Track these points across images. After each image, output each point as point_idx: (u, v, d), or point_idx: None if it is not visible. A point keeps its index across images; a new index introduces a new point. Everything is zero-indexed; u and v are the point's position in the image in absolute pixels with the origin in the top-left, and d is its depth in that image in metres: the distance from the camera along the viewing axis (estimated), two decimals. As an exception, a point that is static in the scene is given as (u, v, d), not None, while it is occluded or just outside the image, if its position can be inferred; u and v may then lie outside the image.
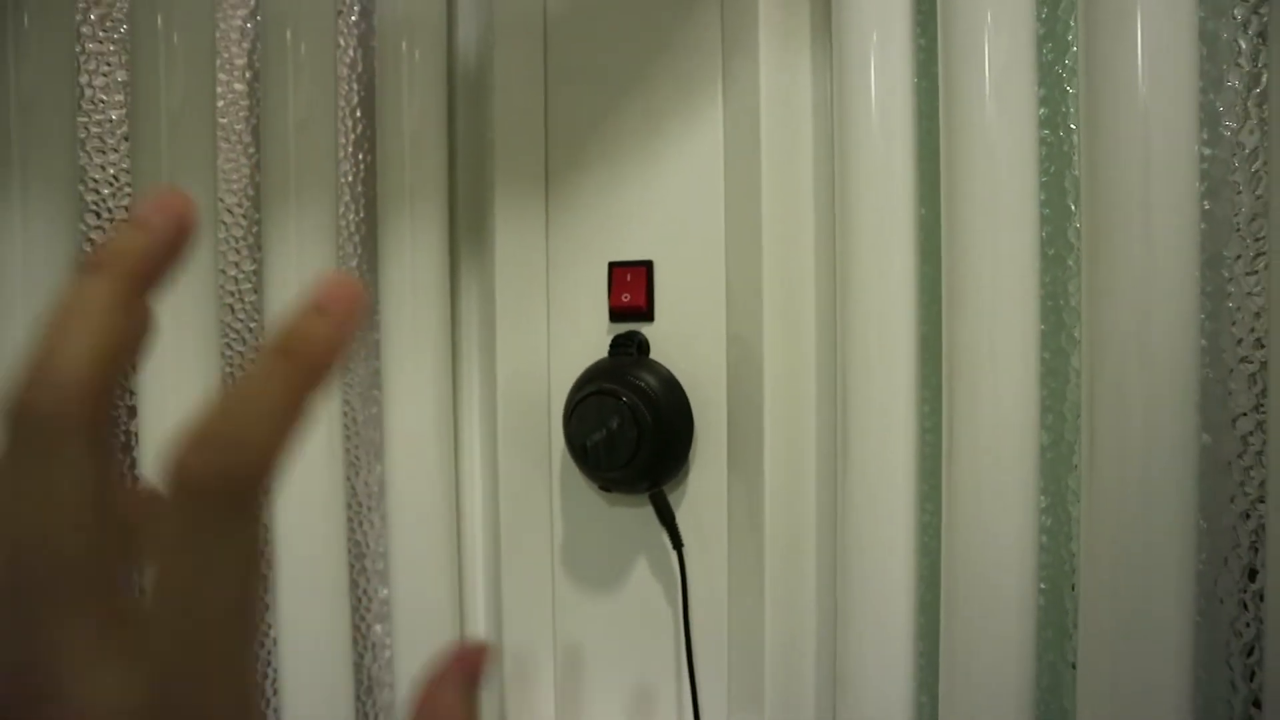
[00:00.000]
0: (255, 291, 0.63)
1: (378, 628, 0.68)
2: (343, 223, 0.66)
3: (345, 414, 0.65)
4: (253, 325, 0.63)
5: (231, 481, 0.18)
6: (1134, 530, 0.44)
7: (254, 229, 0.63)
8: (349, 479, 0.65)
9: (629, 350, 0.59)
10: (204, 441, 0.18)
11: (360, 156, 0.67)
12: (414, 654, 0.64)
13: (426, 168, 0.63)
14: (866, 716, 0.54)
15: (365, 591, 0.67)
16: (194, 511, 0.18)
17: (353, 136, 0.66)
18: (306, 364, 0.19)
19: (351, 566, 0.65)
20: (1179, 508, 0.44)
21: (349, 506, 0.65)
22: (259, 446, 0.18)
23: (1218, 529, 0.46)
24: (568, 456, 0.61)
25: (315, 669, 0.61)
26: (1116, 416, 0.44)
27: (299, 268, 0.60)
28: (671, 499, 0.59)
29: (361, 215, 0.67)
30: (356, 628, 0.66)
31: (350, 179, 0.66)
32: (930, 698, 0.55)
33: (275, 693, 0.62)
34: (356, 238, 0.66)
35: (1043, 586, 0.52)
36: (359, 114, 0.66)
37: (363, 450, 0.66)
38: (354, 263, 0.66)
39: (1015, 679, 0.49)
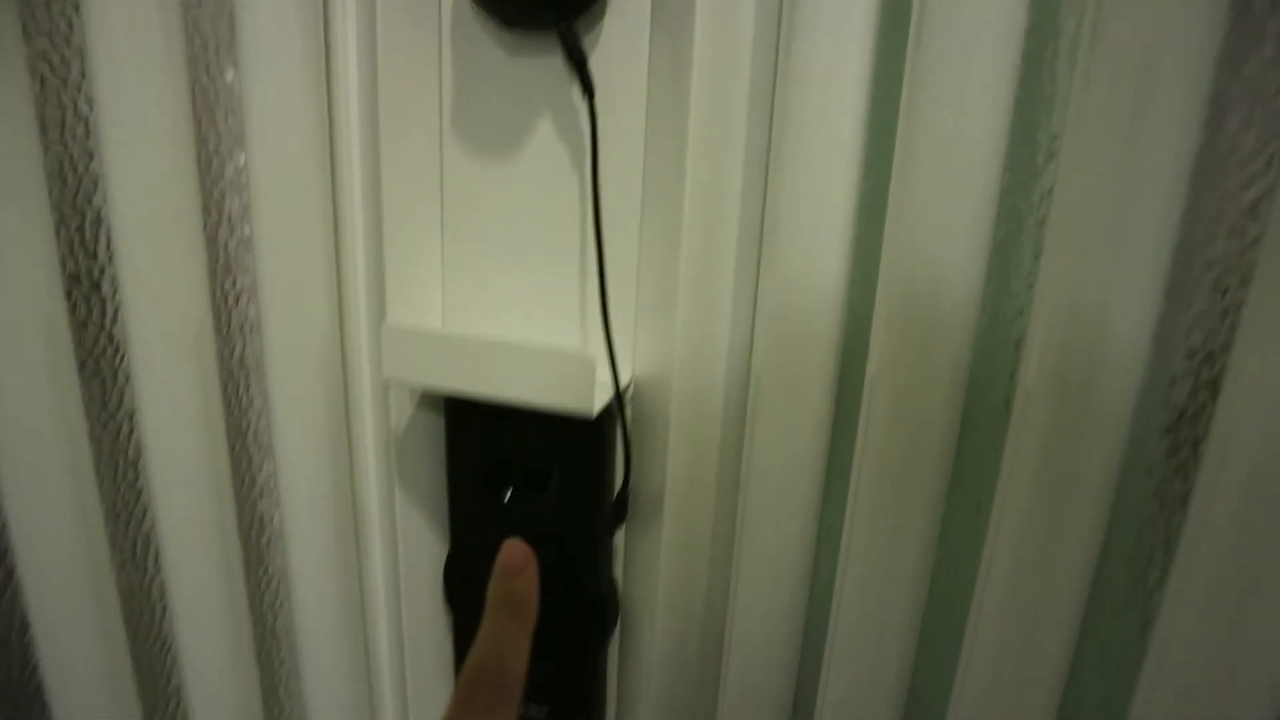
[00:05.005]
0: None
1: (235, 199, 0.58)
2: None
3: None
4: None
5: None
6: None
7: None
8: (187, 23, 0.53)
9: None
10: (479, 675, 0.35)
11: None
12: (280, 256, 0.56)
13: None
14: (793, 276, 0.49)
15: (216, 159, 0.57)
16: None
17: None
18: (527, 614, 0.36)
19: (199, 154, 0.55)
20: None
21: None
22: (518, 675, 0.36)
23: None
24: (460, -6, 0.51)
25: (166, 348, 0.52)
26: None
27: None
28: (584, 44, 0.49)
29: None
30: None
31: None
32: (860, 280, 0.50)
33: (126, 379, 0.53)
34: None
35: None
36: None
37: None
38: None
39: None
